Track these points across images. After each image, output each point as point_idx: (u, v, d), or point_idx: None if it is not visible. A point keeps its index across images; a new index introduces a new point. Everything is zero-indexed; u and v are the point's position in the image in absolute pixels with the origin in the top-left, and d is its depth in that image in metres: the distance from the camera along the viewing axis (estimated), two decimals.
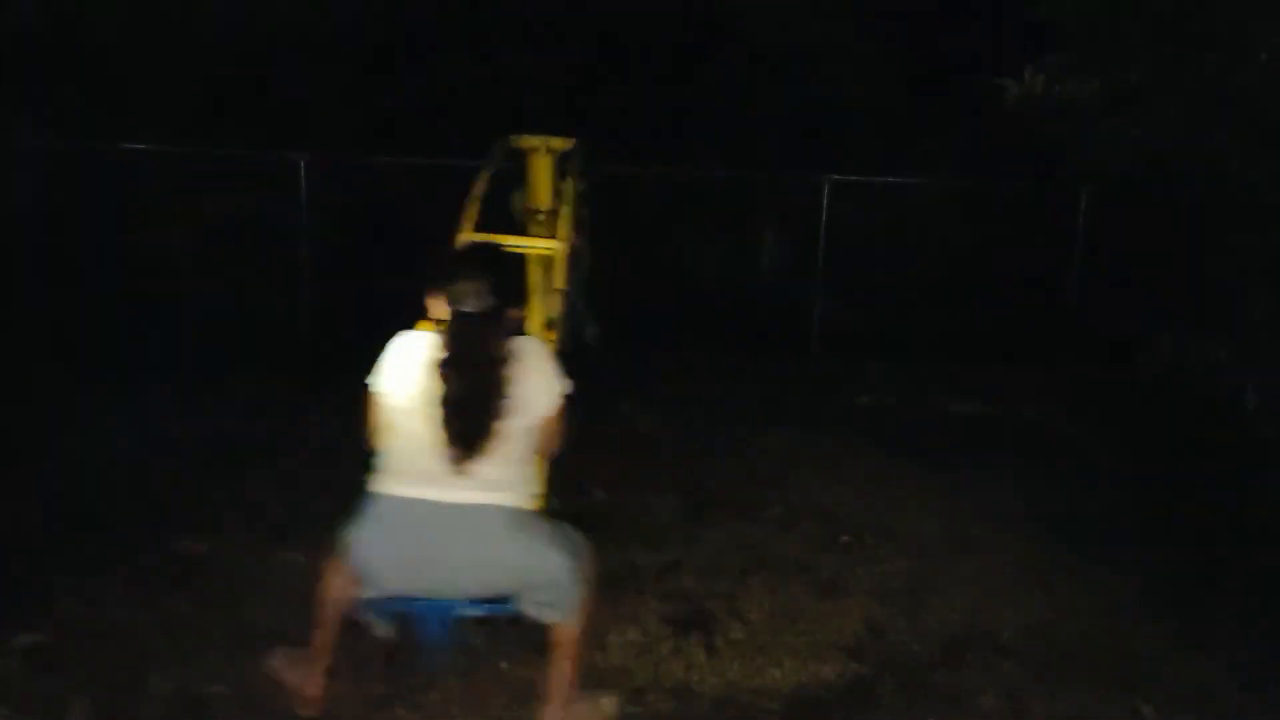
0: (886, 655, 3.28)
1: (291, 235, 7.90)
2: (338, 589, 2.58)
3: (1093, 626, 3.53)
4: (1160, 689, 3.15)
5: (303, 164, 7.81)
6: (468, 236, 3.44)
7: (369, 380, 2.56)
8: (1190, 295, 6.40)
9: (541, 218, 4.20)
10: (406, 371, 2.48)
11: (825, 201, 8.23)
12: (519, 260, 3.04)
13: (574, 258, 3.94)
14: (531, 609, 2.52)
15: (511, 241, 3.50)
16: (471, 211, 3.59)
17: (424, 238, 8.22)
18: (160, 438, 5.22)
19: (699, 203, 9.06)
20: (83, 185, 7.32)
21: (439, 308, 2.51)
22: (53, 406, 5.50)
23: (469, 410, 2.38)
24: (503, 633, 3.28)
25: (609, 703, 2.72)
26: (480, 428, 2.38)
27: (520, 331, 2.58)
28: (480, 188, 3.68)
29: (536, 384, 2.47)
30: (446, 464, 2.38)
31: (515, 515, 2.44)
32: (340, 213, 8.26)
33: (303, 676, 2.62)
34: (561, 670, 2.57)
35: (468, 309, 2.42)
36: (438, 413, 2.39)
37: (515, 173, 4.25)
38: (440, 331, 2.47)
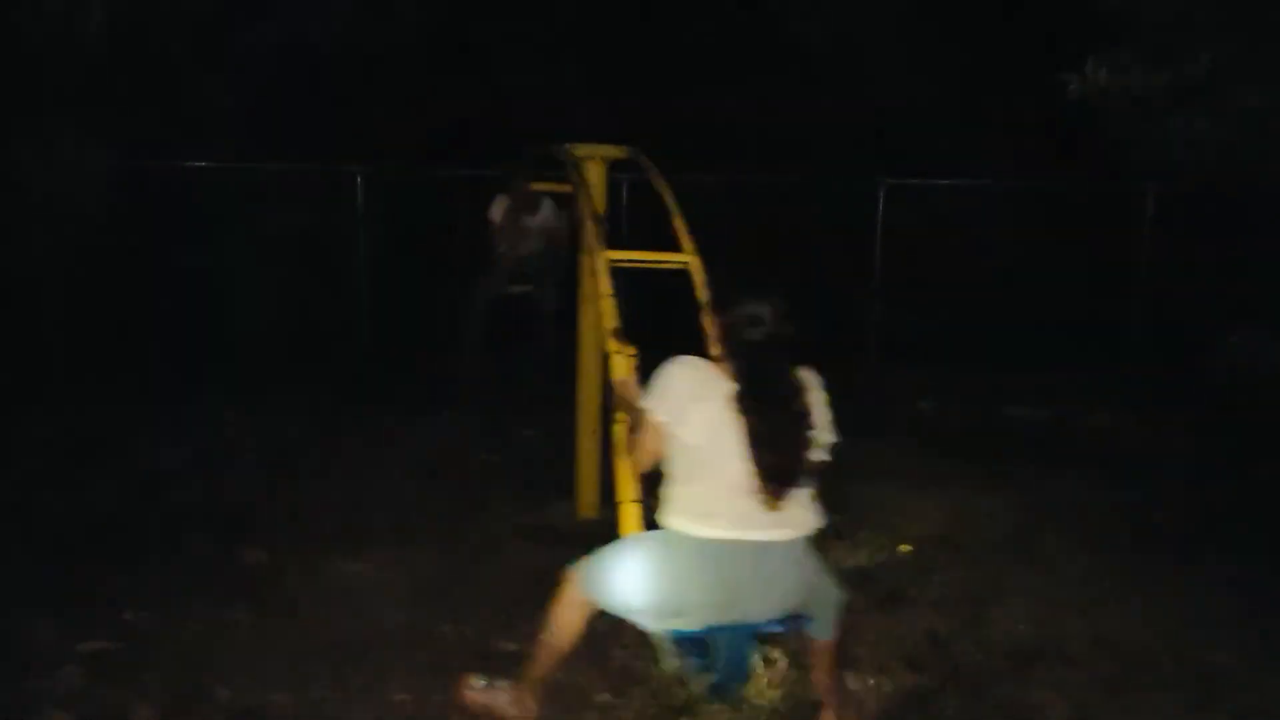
0: (950, 667, 3.19)
1: (349, 249, 8.02)
2: (576, 623, 2.62)
3: (1166, 638, 3.40)
4: (1238, 704, 3.02)
5: (359, 177, 7.93)
6: (607, 254, 3.37)
7: (646, 404, 2.45)
8: (1261, 295, 6.15)
9: (593, 222, 4.19)
10: (699, 404, 2.38)
11: (880, 205, 8.13)
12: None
13: None
14: (810, 628, 2.60)
15: (644, 257, 3.51)
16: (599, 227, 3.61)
17: (480, 250, 8.26)
18: (220, 449, 5.32)
19: (751, 207, 8.99)
20: (147, 202, 7.52)
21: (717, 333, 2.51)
22: (115, 419, 5.65)
23: (781, 446, 2.35)
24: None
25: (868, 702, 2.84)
26: (795, 464, 2.37)
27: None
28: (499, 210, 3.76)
29: (825, 414, 2.48)
30: (758, 502, 2.35)
31: (807, 543, 2.49)
32: (397, 226, 8.36)
33: (517, 707, 2.69)
34: (829, 681, 2.70)
35: (757, 337, 2.41)
36: (747, 451, 2.34)
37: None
38: (728, 361, 2.45)
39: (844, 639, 2.70)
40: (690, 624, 2.47)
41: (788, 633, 2.69)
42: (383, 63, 9.37)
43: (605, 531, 4.26)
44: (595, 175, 4.15)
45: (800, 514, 2.43)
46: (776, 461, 2.34)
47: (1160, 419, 6.28)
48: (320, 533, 4.17)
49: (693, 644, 2.57)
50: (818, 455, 2.42)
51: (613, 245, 4.58)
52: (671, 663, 2.69)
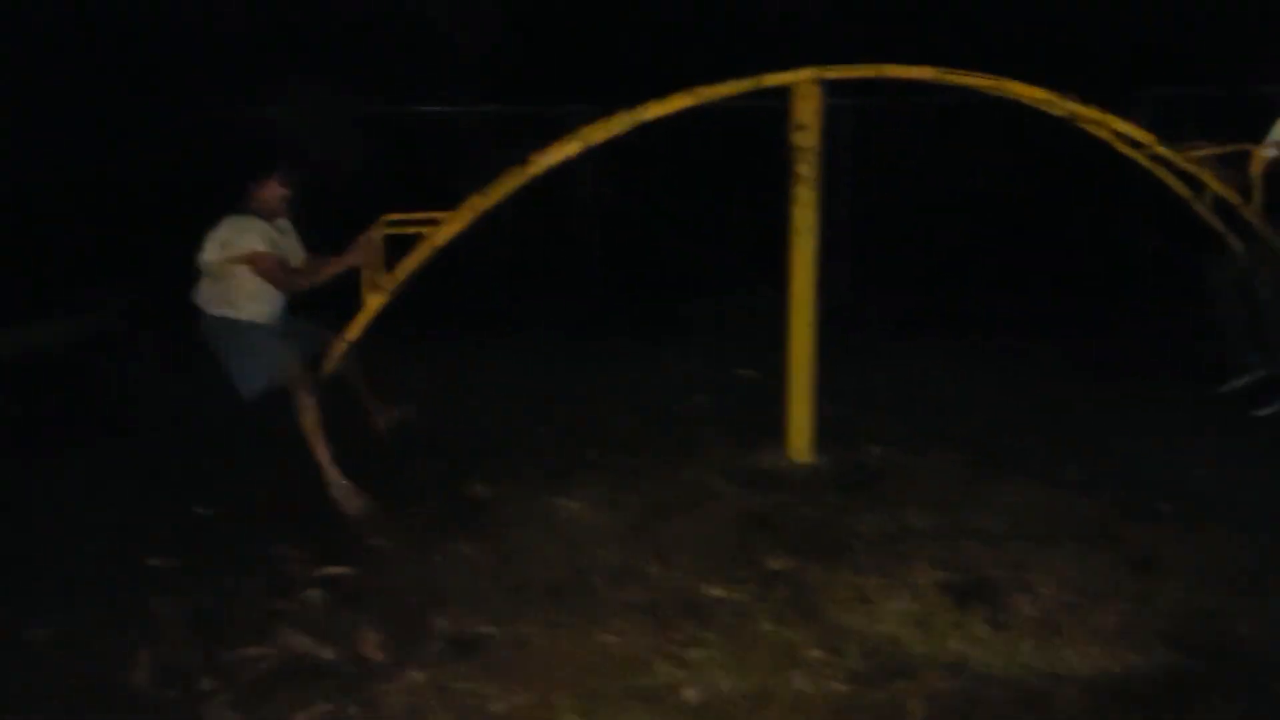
0: (1218, 646, 2.79)
1: (578, 190, 8.12)
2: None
3: None
4: None
5: (582, 118, 7.98)
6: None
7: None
8: None
9: (808, 156, 3.95)
10: None
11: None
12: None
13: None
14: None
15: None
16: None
17: (706, 189, 8.07)
18: (450, 381, 5.56)
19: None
20: (396, 146, 7.95)
21: None
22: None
23: None
24: (767, 595, 3.17)
25: (360, 502, 3.87)
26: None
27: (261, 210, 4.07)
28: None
29: (212, 238, 3.98)
30: None
31: (217, 321, 4.03)
32: (623, 165, 8.35)
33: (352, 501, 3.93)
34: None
35: None
36: None
37: None
38: None
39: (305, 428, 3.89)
40: None
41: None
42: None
43: (820, 476, 4.12)
44: (805, 101, 3.89)
45: (202, 296, 4.07)
46: None
47: None
48: (539, 470, 4.27)
49: None
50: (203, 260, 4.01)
51: (832, 177, 4.35)
52: None
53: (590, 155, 7.77)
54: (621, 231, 8.20)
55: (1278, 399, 4.67)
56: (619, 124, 3.93)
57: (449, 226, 4.05)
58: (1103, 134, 4.41)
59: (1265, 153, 4.62)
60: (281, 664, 2.81)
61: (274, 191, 4.12)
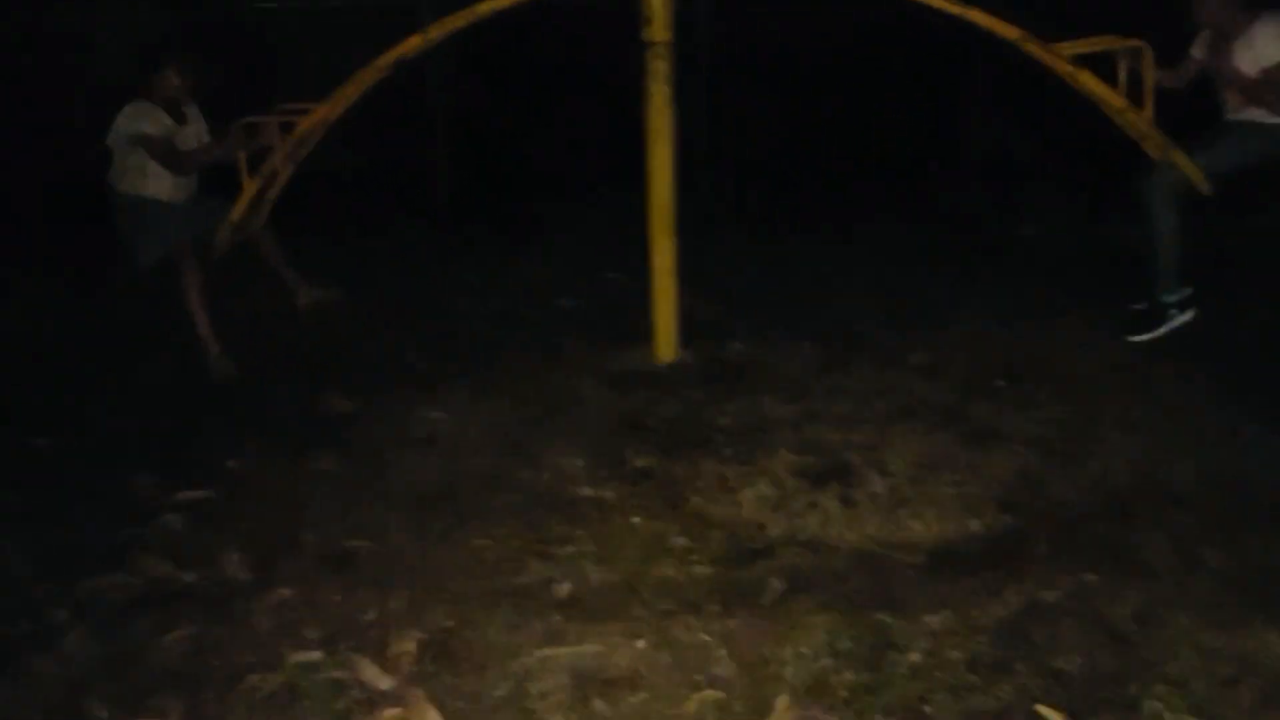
0: (1042, 507, 3.06)
1: (421, 85, 7.76)
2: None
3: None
4: None
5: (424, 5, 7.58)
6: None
7: None
8: None
9: (661, 51, 3.91)
10: None
11: None
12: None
13: None
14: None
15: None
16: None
17: (553, 79, 7.78)
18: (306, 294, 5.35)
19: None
20: (216, 50, 7.39)
21: None
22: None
23: None
24: (635, 490, 3.26)
25: (230, 371, 4.37)
26: None
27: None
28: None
29: (115, 122, 4.36)
30: None
31: (119, 196, 4.46)
32: (469, 58, 8.02)
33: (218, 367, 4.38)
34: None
35: None
36: None
37: None
38: None
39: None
40: None
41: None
42: None
43: (684, 373, 4.22)
44: None
45: (111, 175, 4.47)
46: None
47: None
48: (404, 381, 4.22)
49: None
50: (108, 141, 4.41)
51: (690, 75, 4.33)
52: None
53: (442, 55, 7.51)
54: (477, 135, 7.94)
55: (1156, 325, 4.36)
56: (459, 19, 3.79)
57: (309, 118, 4.18)
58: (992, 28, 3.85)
59: (1196, 52, 4.32)
60: (141, 591, 2.74)
61: (170, 81, 4.44)
